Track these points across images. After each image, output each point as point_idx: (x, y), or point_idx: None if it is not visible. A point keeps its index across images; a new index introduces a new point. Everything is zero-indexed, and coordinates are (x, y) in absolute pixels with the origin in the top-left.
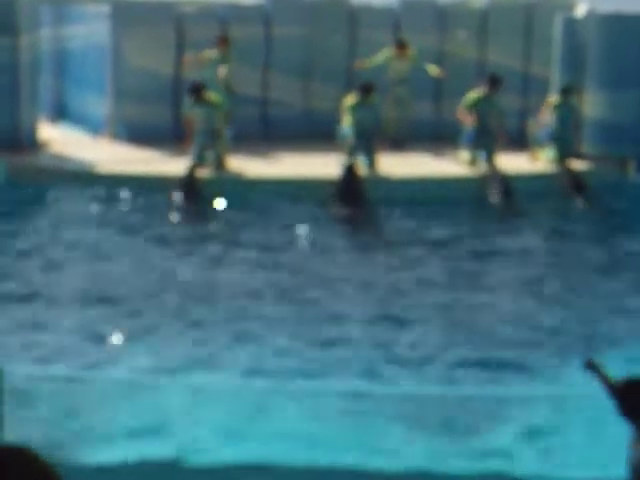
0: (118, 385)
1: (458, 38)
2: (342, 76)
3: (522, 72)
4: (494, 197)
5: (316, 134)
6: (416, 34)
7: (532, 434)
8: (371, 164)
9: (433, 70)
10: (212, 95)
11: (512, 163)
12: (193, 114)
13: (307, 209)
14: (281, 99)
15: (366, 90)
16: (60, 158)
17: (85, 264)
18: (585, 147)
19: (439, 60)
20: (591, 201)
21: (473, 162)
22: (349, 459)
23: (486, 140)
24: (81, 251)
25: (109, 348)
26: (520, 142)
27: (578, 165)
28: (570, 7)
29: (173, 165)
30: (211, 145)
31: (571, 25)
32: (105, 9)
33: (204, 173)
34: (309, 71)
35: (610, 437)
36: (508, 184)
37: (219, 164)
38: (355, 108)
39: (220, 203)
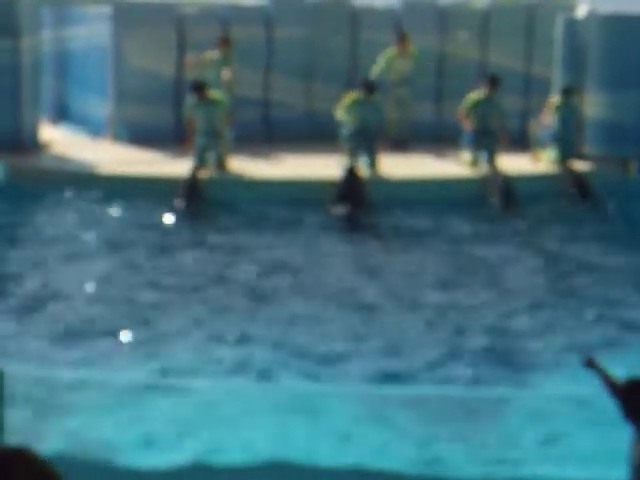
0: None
1: (459, 39)
2: (344, 77)
3: (523, 73)
4: (495, 198)
5: (318, 135)
6: (417, 35)
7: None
8: (372, 165)
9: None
10: (214, 93)
11: (514, 164)
12: (194, 115)
13: (309, 210)
14: (283, 100)
15: (369, 88)
16: (61, 159)
17: (85, 266)
18: (587, 148)
19: (440, 61)
20: (594, 202)
21: (474, 163)
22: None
23: (487, 141)
24: (81, 252)
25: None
26: (521, 143)
27: (580, 166)
28: (571, 8)
29: (175, 166)
30: (212, 146)
31: (572, 26)
32: (106, 10)
33: (206, 174)
34: (311, 72)
35: (610, 437)
36: (509, 185)
37: (220, 165)
38: (357, 105)
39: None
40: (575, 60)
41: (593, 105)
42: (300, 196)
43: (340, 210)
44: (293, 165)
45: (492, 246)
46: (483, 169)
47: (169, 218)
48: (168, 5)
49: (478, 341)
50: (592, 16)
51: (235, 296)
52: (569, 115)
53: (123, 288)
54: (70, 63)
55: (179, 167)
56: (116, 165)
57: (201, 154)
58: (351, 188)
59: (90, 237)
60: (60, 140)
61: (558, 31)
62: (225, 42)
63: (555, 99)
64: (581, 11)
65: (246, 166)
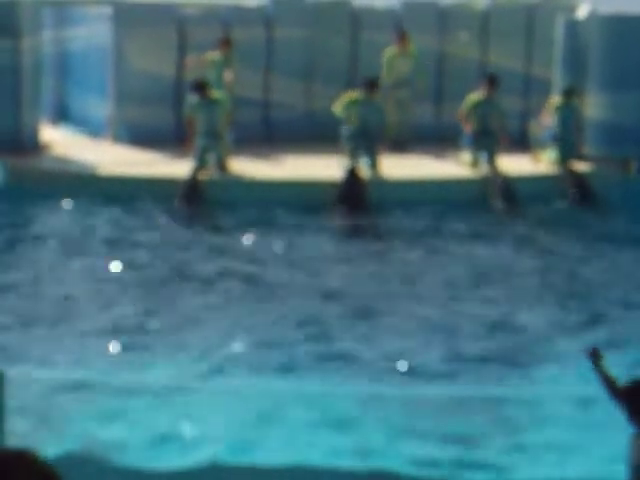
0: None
1: (459, 39)
2: (344, 78)
3: (524, 73)
4: (495, 199)
5: (318, 136)
6: (417, 35)
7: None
8: (373, 166)
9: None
10: (215, 93)
11: (514, 164)
12: (195, 115)
13: (309, 211)
14: (283, 101)
15: (371, 85)
16: (62, 160)
17: (85, 266)
18: (587, 148)
19: (440, 61)
20: (594, 202)
21: (475, 164)
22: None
23: (487, 142)
24: (81, 253)
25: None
26: (522, 144)
27: (580, 166)
28: (571, 8)
29: (175, 167)
30: (213, 147)
31: (572, 26)
32: (107, 11)
33: (206, 175)
34: (311, 73)
35: (610, 437)
36: (509, 185)
37: (221, 166)
38: (358, 105)
39: None
40: (575, 61)
41: (593, 106)
42: (301, 197)
43: (341, 211)
44: (293, 166)
45: (492, 246)
46: (483, 170)
47: (170, 219)
48: (169, 6)
49: (478, 342)
50: (592, 17)
51: (235, 296)
52: (569, 116)
53: (124, 288)
54: (70, 64)
55: (179, 168)
56: (116, 166)
57: (201, 155)
58: (352, 189)
59: (90, 238)
60: (60, 141)
61: (558, 32)
62: (226, 43)
63: (555, 100)
64: (581, 12)
65: (246, 167)
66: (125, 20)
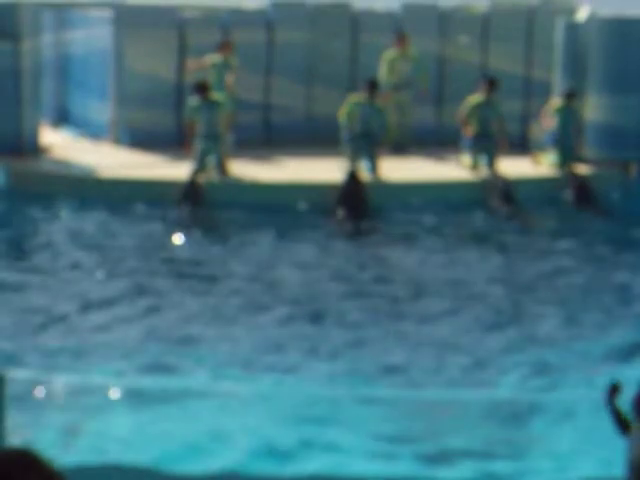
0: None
1: (460, 43)
2: (344, 81)
3: (524, 76)
4: (495, 201)
5: (318, 139)
6: (417, 38)
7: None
8: (373, 169)
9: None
10: (216, 95)
11: (514, 167)
12: (196, 117)
13: (309, 214)
14: (283, 104)
15: (372, 86)
16: (62, 163)
17: (85, 268)
18: (587, 151)
19: (440, 65)
20: (595, 205)
21: (475, 166)
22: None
23: (487, 144)
24: (81, 253)
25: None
26: (522, 146)
27: (581, 169)
28: (571, 11)
29: (176, 170)
30: (213, 150)
31: (573, 29)
32: (107, 14)
33: (206, 178)
34: (311, 76)
35: (609, 437)
36: (510, 188)
37: (221, 169)
38: (360, 107)
39: None
40: (575, 63)
41: (594, 108)
42: (301, 200)
43: (341, 214)
44: (294, 169)
45: (493, 247)
46: (483, 172)
47: (170, 221)
48: (169, 9)
49: (478, 341)
50: (592, 19)
51: (234, 298)
52: (570, 118)
53: (126, 289)
54: (71, 66)
55: (180, 170)
56: (117, 169)
57: (201, 158)
58: (352, 192)
59: (91, 240)
60: (61, 144)
61: (558, 34)
62: (226, 46)
63: (556, 102)
64: (581, 14)
65: (246, 170)
66: (126, 23)
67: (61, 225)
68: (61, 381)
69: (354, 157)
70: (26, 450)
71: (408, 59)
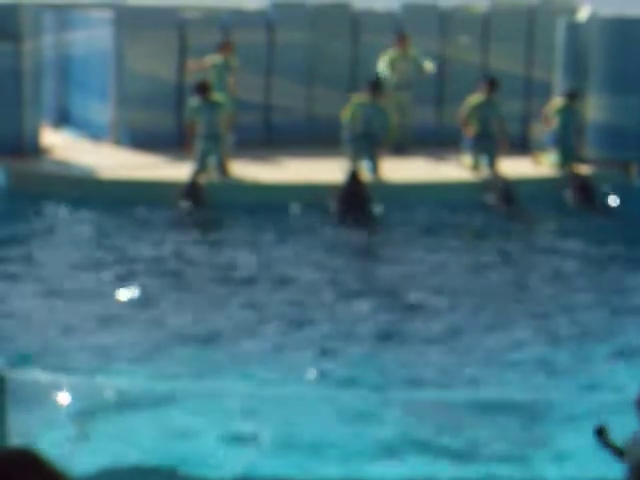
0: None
1: (460, 43)
2: (345, 81)
3: (524, 76)
4: (496, 201)
5: (319, 140)
6: (418, 38)
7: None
8: (374, 169)
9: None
10: (216, 95)
11: (515, 167)
12: (196, 117)
13: (310, 214)
14: (284, 105)
15: (375, 86)
16: (63, 164)
17: (86, 268)
18: (588, 151)
19: (441, 65)
20: (596, 205)
21: (475, 167)
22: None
23: (488, 145)
24: (81, 254)
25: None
26: (523, 146)
27: (582, 169)
28: (572, 11)
29: (176, 170)
30: (214, 150)
31: (573, 29)
32: (108, 15)
33: (206, 179)
34: (312, 76)
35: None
36: (510, 188)
37: (222, 170)
38: (362, 107)
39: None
40: (576, 64)
41: (595, 108)
42: (302, 200)
43: (342, 214)
44: (294, 169)
45: (492, 247)
46: (484, 172)
47: (171, 222)
48: (170, 10)
49: (480, 342)
50: (593, 19)
51: (234, 298)
52: (571, 119)
53: (125, 289)
54: (72, 67)
55: (181, 171)
56: (117, 169)
57: (202, 158)
58: (353, 192)
59: (91, 240)
60: (61, 144)
61: (559, 34)
62: (227, 47)
63: (557, 102)
64: (582, 14)
65: (247, 170)
66: (126, 24)
67: (61, 225)
68: (72, 382)
69: (355, 157)
70: (26, 450)
71: (408, 59)
